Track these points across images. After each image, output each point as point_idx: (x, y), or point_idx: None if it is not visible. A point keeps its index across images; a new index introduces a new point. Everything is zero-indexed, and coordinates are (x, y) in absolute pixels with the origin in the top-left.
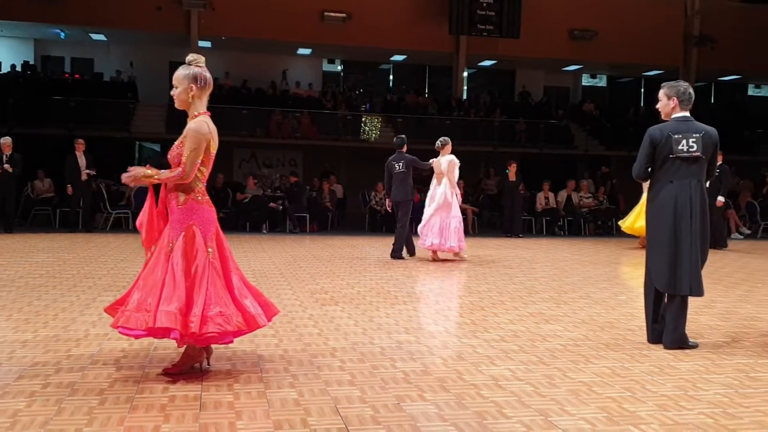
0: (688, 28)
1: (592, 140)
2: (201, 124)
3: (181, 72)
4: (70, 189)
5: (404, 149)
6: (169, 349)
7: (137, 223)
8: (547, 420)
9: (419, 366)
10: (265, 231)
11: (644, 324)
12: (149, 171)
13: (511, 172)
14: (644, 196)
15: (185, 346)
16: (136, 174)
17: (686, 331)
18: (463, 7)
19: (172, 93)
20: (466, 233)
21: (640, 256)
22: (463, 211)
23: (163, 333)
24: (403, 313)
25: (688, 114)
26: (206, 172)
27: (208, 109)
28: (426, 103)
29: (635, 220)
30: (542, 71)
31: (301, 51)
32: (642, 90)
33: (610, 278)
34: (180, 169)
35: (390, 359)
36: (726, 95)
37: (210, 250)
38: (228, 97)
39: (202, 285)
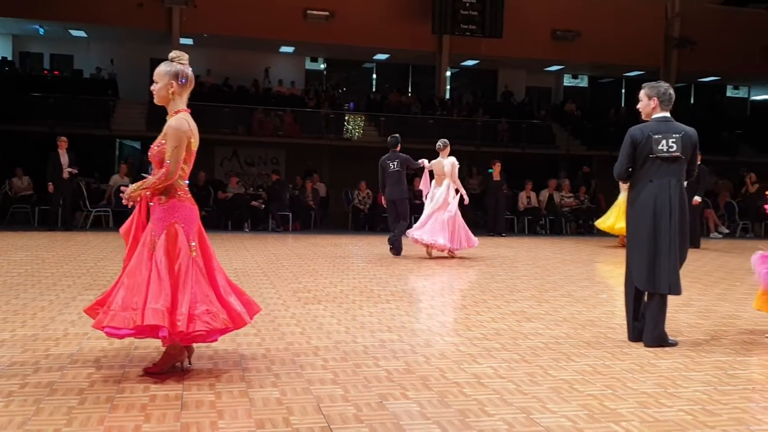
0: (669, 29)
1: (573, 140)
2: (181, 122)
3: (162, 68)
4: (51, 187)
5: (398, 148)
6: (150, 348)
7: (121, 230)
8: (529, 417)
9: (402, 364)
10: (247, 229)
11: (625, 322)
12: (136, 185)
13: (496, 171)
14: (621, 195)
15: (166, 345)
16: (131, 194)
17: (666, 329)
18: (445, 6)
19: (152, 88)
20: None
21: (620, 255)
22: None
23: (150, 331)
24: (386, 311)
25: (668, 114)
26: (188, 169)
27: (189, 106)
28: (409, 102)
29: (616, 221)
30: (524, 71)
31: (284, 49)
32: (623, 90)
33: (590, 277)
34: (164, 170)
35: (373, 358)
36: (705, 96)
37: (193, 245)
38: (210, 94)
39: (186, 283)
